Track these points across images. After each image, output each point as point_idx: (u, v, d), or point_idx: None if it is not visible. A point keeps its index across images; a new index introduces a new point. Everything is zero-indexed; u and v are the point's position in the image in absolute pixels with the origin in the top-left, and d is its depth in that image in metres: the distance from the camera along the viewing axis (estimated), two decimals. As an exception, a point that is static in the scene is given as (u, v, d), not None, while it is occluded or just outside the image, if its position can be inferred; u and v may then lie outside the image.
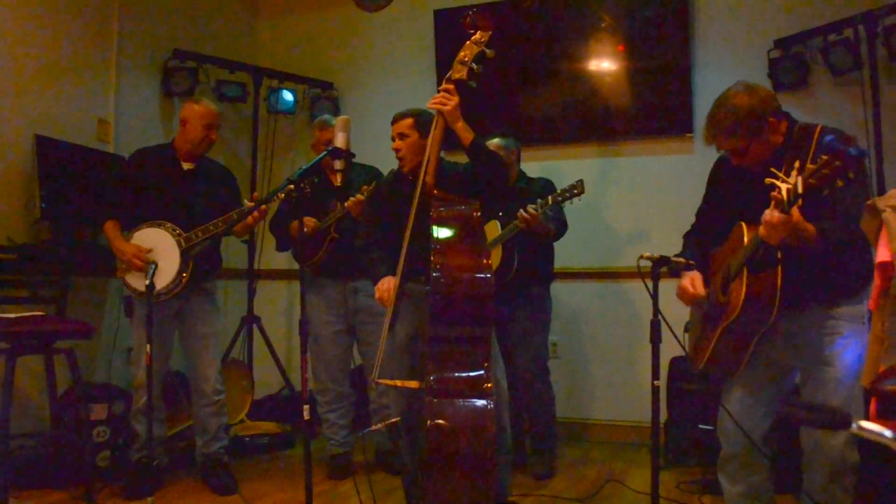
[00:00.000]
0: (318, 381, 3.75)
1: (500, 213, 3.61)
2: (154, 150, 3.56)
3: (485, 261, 2.52)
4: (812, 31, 4.04)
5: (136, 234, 3.32)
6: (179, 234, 3.29)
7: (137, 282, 3.26)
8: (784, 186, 1.92)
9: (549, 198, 3.50)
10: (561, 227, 3.68)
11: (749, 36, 4.31)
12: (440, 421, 2.37)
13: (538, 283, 3.74)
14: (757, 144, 2.23)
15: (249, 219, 3.23)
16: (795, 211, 1.94)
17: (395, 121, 2.99)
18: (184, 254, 3.27)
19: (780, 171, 1.99)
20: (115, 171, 3.46)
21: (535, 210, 3.43)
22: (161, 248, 3.27)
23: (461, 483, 2.37)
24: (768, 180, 1.98)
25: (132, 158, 3.52)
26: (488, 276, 2.50)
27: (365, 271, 3.13)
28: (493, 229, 3.59)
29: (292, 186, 2.62)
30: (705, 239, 2.52)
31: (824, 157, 1.79)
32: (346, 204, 3.47)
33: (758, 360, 2.34)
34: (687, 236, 2.63)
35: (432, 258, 2.49)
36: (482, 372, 2.46)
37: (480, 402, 2.41)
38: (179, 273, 3.26)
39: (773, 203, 1.98)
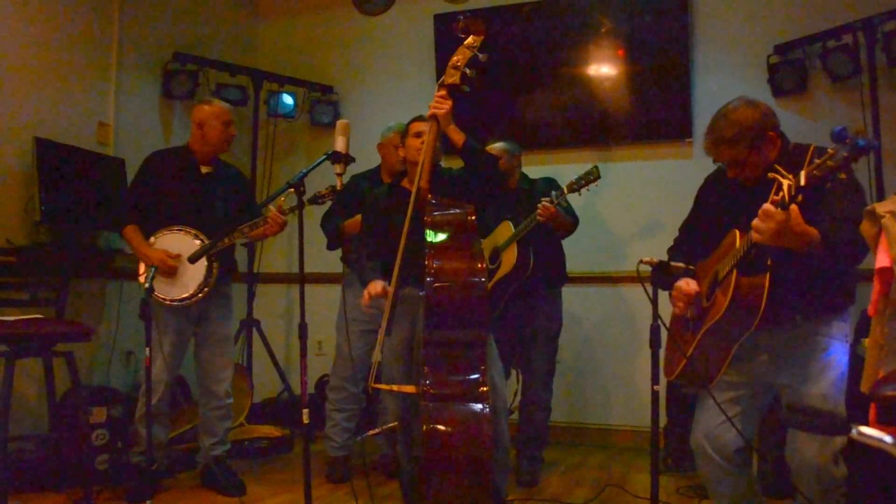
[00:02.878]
0: (334, 377, 3.76)
1: (509, 217, 3.62)
2: (171, 153, 3.56)
3: (479, 265, 2.52)
4: (811, 37, 4.05)
5: (160, 240, 3.33)
6: (203, 240, 3.30)
7: (162, 288, 3.27)
8: (786, 182, 1.91)
9: (565, 187, 3.50)
10: (575, 221, 3.69)
11: (748, 42, 4.32)
12: (436, 425, 2.37)
13: (551, 286, 3.74)
14: (755, 157, 2.24)
15: (271, 229, 3.24)
16: (794, 209, 1.92)
17: (413, 122, 2.97)
18: (209, 259, 3.30)
19: (770, 188, 1.98)
20: (134, 175, 3.48)
21: (552, 202, 3.43)
22: (187, 253, 3.30)
23: (459, 487, 2.37)
24: (771, 174, 1.96)
25: (149, 162, 3.50)
26: (482, 279, 2.50)
27: (359, 278, 3.14)
28: (507, 230, 3.60)
29: (293, 190, 2.63)
30: (690, 254, 2.51)
31: (830, 150, 1.77)
32: None
33: (738, 377, 2.32)
34: (671, 251, 2.62)
35: (426, 262, 2.50)
36: (478, 375, 2.46)
37: (476, 406, 2.41)
38: (206, 278, 3.29)
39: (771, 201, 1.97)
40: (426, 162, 2.68)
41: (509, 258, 3.57)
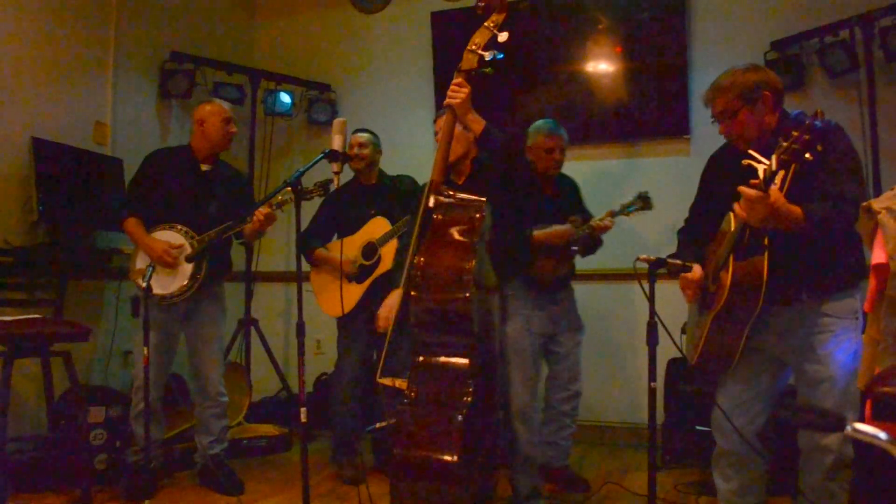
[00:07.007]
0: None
1: (375, 212, 3.66)
2: (173, 152, 3.59)
3: (467, 265, 2.42)
4: (808, 32, 4.04)
5: (151, 236, 3.34)
6: (192, 237, 3.31)
7: (154, 285, 3.24)
8: (761, 167, 1.97)
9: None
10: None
11: (746, 38, 4.31)
12: (408, 427, 2.34)
13: None
14: (746, 113, 2.28)
15: (255, 223, 3.23)
16: (774, 190, 1.96)
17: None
18: (196, 256, 3.29)
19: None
20: (135, 170, 3.51)
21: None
22: None
23: (427, 491, 2.33)
24: (746, 162, 2.01)
25: (149, 159, 3.52)
26: (468, 279, 2.39)
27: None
28: (382, 226, 3.63)
29: (289, 189, 2.63)
30: (700, 235, 2.54)
31: (794, 133, 1.84)
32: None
33: (752, 355, 2.35)
34: (681, 233, 2.66)
35: (414, 260, 2.45)
36: (460, 382, 2.39)
37: (451, 413, 2.34)
38: (193, 275, 3.30)
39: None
40: (440, 154, 2.63)
41: (390, 255, 3.51)
